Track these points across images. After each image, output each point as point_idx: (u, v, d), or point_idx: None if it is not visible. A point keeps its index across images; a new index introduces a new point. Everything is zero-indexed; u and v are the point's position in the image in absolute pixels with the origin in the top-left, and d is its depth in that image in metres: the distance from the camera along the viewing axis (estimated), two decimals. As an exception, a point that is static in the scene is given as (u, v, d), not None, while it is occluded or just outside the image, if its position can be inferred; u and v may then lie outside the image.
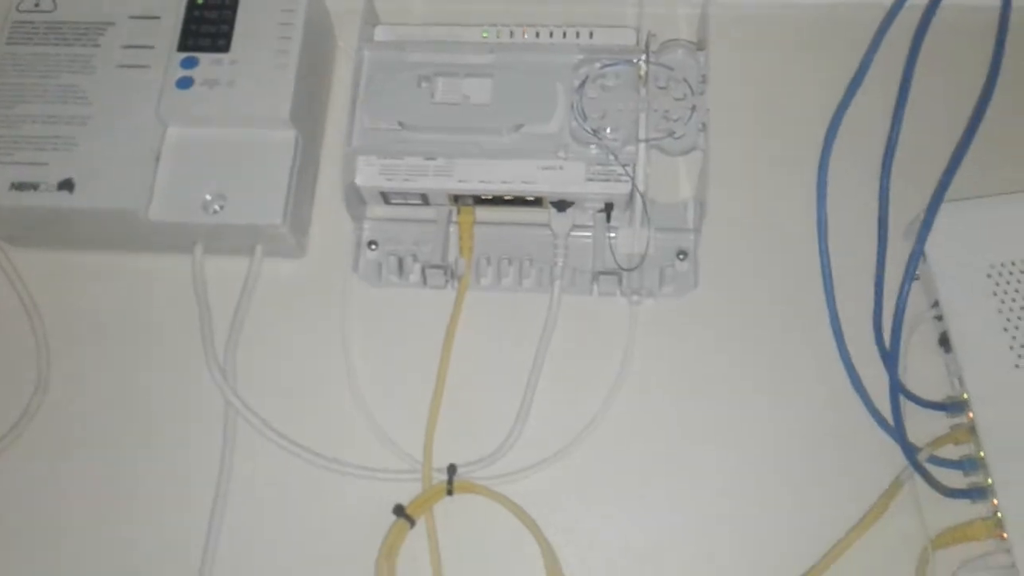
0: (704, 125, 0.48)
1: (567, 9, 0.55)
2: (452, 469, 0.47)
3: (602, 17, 0.53)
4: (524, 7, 0.55)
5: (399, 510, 0.45)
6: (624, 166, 0.48)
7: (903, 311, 0.44)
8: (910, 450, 0.44)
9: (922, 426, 0.45)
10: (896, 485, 0.44)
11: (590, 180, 0.49)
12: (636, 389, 0.48)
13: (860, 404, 0.46)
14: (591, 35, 0.52)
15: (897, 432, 0.44)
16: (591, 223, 0.51)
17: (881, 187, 0.47)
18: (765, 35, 0.53)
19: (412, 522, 0.45)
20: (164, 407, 0.49)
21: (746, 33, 0.53)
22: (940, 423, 0.46)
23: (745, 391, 0.47)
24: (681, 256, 0.50)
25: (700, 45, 0.50)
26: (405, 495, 0.46)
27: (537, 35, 0.52)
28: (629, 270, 0.49)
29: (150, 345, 0.50)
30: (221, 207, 0.48)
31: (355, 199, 0.51)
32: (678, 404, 0.48)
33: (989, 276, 0.46)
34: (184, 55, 0.49)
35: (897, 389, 0.45)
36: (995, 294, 0.46)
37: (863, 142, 0.49)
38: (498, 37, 0.52)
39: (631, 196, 0.48)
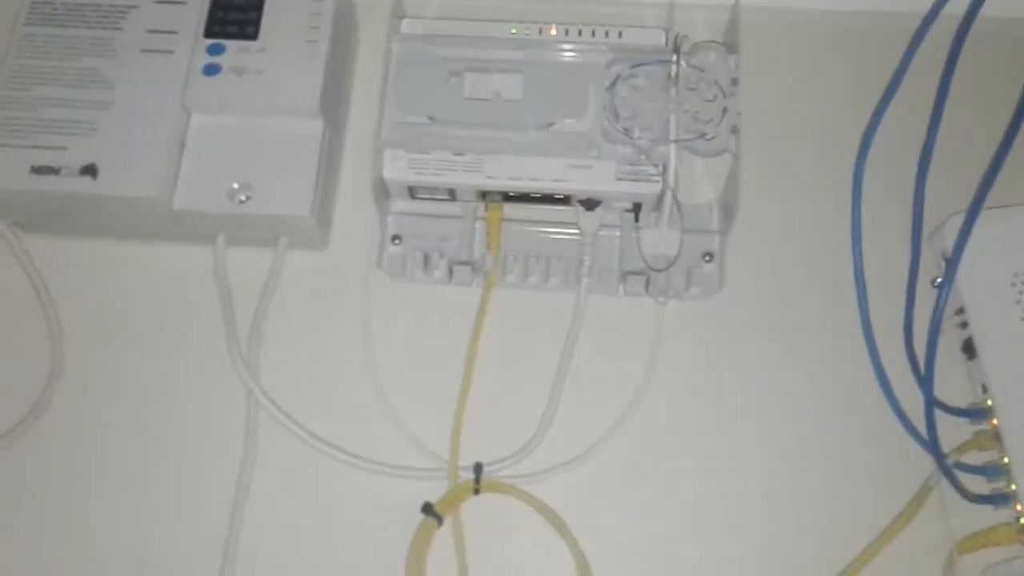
0: (735, 128, 0.48)
1: (586, 8, 0.54)
2: (479, 467, 0.46)
3: (622, 17, 0.53)
4: (542, 5, 0.54)
5: (428, 508, 0.45)
6: (655, 166, 0.48)
7: (940, 322, 0.44)
8: (940, 456, 0.44)
9: (945, 431, 0.45)
10: (925, 490, 0.44)
11: (620, 180, 0.48)
12: (663, 389, 0.48)
13: (888, 409, 0.46)
14: (620, 35, 0.51)
15: (929, 439, 0.44)
16: (618, 223, 0.51)
17: (916, 192, 0.47)
18: (796, 39, 0.54)
19: (440, 520, 0.45)
20: (184, 399, 0.48)
21: (777, 36, 0.53)
22: (963, 429, 0.46)
23: (772, 394, 0.48)
24: (707, 258, 0.50)
25: (731, 48, 0.50)
26: (429, 493, 0.46)
27: (566, 33, 0.52)
28: (660, 271, 0.49)
29: (169, 336, 0.49)
30: (247, 197, 0.47)
31: (381, 192, 0.50)
32: (705, 405, 0.48)
33: (1013, 284, 0.47)
34: (211, 42, 0.49)
35: (931, 398, 0.45)
36: (1019, 302, 0.46)
37: (897, 147, 0.50)
38: (527, 34, 0.52)
39: (661, 197, 0.48)
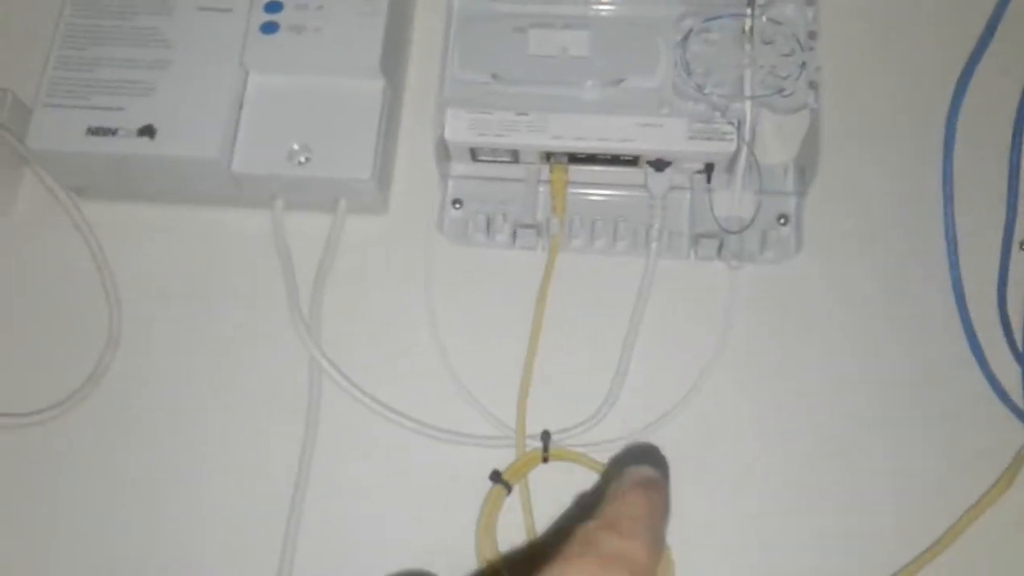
0: (814, 83, 0.46)
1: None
2: (547, 435, 0.45)
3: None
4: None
5: (496, 476, 0.44)
6: (730, 124, 0.46)
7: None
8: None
9: (1034, 399, 0.44)
10: (1019, 460, 0.42)
11: (692, 138, 0.47)
12: (736, 357, 0.46)
13: (981, 378, 0.44)
14: (690, -13, 0.49)
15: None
16: (689, 184, 0.49)
17: (1012, 148, 0.45)
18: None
19: (509, 488, 0.44)
20: (245, 366, 0.47)
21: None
22: (1053, 397, 0.44)
23: (853, 363, 0.46)
24: (782, 220, 0.48)
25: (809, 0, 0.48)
26: (496, 462, 0.45)
27: (634, -14, 0.50)
28: (733, 232, 0.47)
29: (228, 302, 0.48)
30: (307, 159, 0.46)
31: (442, 154, 0.49)
32: (781, 374, 0.46)
33: (1111, 246, 0.44)
34: (269, -1, 0.47)
35: (1024, 361, 0.43)
36: (1116, 265, 0.44)
37: (992, 101, 0.47)
38: (593, -12, 0.50)
39: (735, 156, 0.46)
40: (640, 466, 0.25)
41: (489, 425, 0.46)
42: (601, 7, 0.49)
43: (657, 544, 0.24)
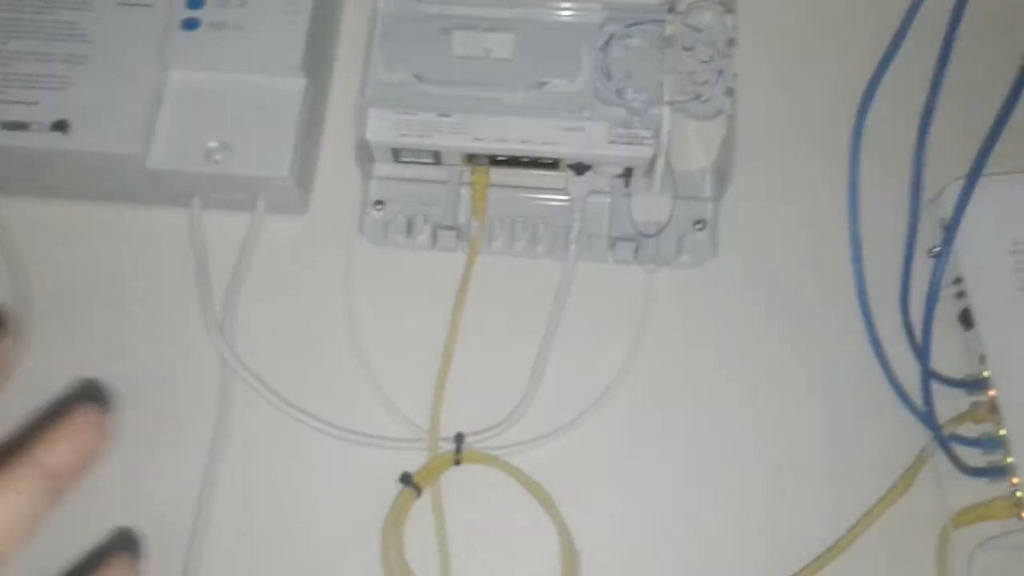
0: (730, 89, 0.47)
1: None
2: (460, 438, 0.45)
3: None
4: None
5: (406, 478, 0.44)
6: (648, 129, 0.47)
7: (936, 291, 0.43)
8: (935, 428, 0.43)
9: (941, 403, 0.44)
10: (919, 462, 0.43)
11: (612, 143, 0.47)
12: (652, 360, 0.46)
13: (883, 380, 0.44)
14: (615, -6, 0.50)
15: (925, 410, 0.43)
16: (608, 189, 0.49)
17: (915, 158, 0.46)
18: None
19: (419, 491, 0.43)
20: (156, 366, 0.46)
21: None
22: (959, 401, 0.45)
23: (764, 365, 0.46)
24: (699, 226, 0.49)
25: (728, 7, 0.48)
26: (410, 464, 0.44)
27: (560, -9, 0.50)
28: (650, 236, 0.48)
29: (141, 302, 0.48)
30: (225, 156, 0.45)
31: (364, 155, 0.49)
32: (695, 376, 0.46)
33: (1012, 253, 0.45)
34: (190, -5, 0.47)
35: (927, 369, 0.44)
36: (1018, 271, 0.45)
37: (896, 112, 0.48)
38: (518, -8, 0.50)
39: (653, 161, 0.47)
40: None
41: (402, 428, 0.45)
42: (525, 10, 0.49)
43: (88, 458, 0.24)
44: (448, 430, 0.45)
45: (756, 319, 0.47)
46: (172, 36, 0.46)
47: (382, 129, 0.48)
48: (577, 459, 0.45)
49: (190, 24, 0.47)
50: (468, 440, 0.45)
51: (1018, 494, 0.42)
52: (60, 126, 0.45)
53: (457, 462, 0.44)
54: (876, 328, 0.45)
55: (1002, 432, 0.43)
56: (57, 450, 0.24)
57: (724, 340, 0.47)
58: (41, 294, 0.48)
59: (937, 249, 0.46)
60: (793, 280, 0.47)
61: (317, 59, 0.49)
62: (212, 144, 0.46)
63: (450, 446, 0.45)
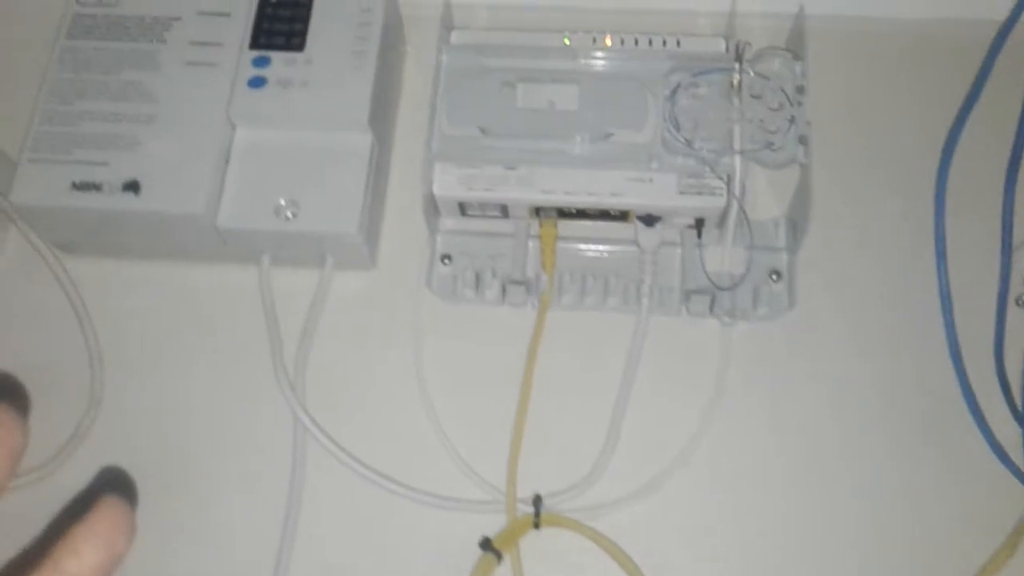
0: (803, 137, 0.46)
1: (640, 18, 0.53)
2: (538, 500, 0.44)
3: (677, 26, 0.51)
4: (595, 15, 0.53)
5: (486, 544, 0.42)
6: (720, 179, 0.46)
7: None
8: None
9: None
10: (1023, 527, 0.41)
11: (682, 193, 0.46)
12: (731, 416, 0.45)
13: (980, 438, 0.43)
14: (678, 43, 0.49)
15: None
16: (679, 240, 0.48)
17: (1004, 203, 0.45)
18: (865, 46, 0.51)
19: (499, 556, 0.42)
20: (228, 426, 0.46)
21: (845, 43, 0.51)
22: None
23: (849, 421, 0.45)
24: (774, 276, 0.47)
25: (797, 54, 0.48)
26: (487, 527, 0.43)
27: (622, 42, 0.50)
28: (725, 289, 0.46)
29: (212, 360, 0.47)
30: (294, 214, 0.45)
31: (430, 209, 0.48)
32: (777, 433, 0.45)
33: (1105, 301, 0.44)
34: (256, 53, 0.47)
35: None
36: (1112, 320, 0.44)
37: (982, 156, 0.47)
38: (581, 44, 0.50)
39: (725, 211, 0.46)
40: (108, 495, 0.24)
41: (479, 488, 0.44)
42: (590, 61, 0.49)
43: (113, 561, 0.23)
44: (524, 489, 0.44)
45: (839, 373, 0.46)
46: (239, 94, 0.46)
47: (449, 183, 0.47)
48: (658, 521, 0.44)
49: (257, 82, 0.47)
50: (546, 502, 0.44)
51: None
52: (131, 186, 0.45)
53: (536, 525, 0.43)
54: (970, 382, 0.43)
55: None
56: (81, 556, 0.22)
57: (806, 395, 0.45)
58: (112, 353, 0.47)
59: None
60: (877, 332, 0.46)
61: (382, 114, 0.48)
62: (281, 202, 0.45)
63: (528, 508, 0.44)
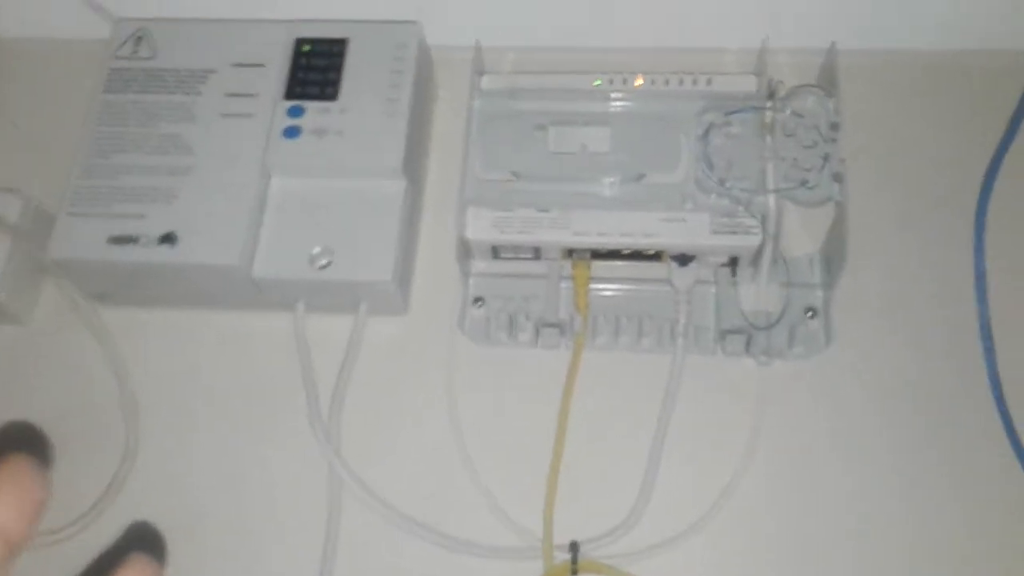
0: (838, 174, 0.45)
1: (669, 57, 0.53)
2: (575, 547, 0.43)
3: (706, 65, 0.51)
4: (623, 56, 0.53)
5: (525, 591, 0.42)
6: (754, 217, 0.45)
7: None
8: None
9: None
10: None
11: (716, 233, 0.46)
12: (770, 458, 0.44)
13: (1026, 476, 0.42)
14: (709, 82, 0.49)
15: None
16: (713, 278, 0.48)
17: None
18: (898, 80, 0.51)
19: (538, 604, 0.42)
20: (264, 474, 0.46)
21: (877, 78, 0.51)
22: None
23: (890, 463, 0.44)
24: (810, 313, 0.47)
25: (829, 91, 0.47)
26: (523, 575, 0.43)
27: (652, 82, 0.50)
28: (763, 328, 0.46)
29: (248, 408, 0.47)
30: (328, 262, 0.45)
31: (463, 253, 0.48)
32: (816, 476, 0.44)
33: None
34: (291, 103, 0.47)
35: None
36: None
37: (1021, 188, 0.46)
38: (611, 85, 0.50)
39: (760, 249, 0.46)
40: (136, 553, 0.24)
41: (515, 535, 0.44)
42: (620, 103, 0.49)
43: None
44: (561, 535, 0.44)
45: (878, 412, 0.45)
46: (274, 144, 0.47)
47: (482, 227, 0.47)
48: (697, 566, 0.43)
49: (291, 132, 0.47)
50: (583, 548, 0.43)
51: None
52: (168, 239, 0.45)
53: (574, 572, 0.43)
54: (1013, 422, 0.42)
55: None
56: None
57: (846, 437, 0.45)
58: (148, 402, 0.48)
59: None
60: (916, 369, 0.45)
61: (415, 159, 0.49)
62: (315, 250, 0.46)
63: (565, 555, 0.43)
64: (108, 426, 0.47)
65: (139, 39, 0.50)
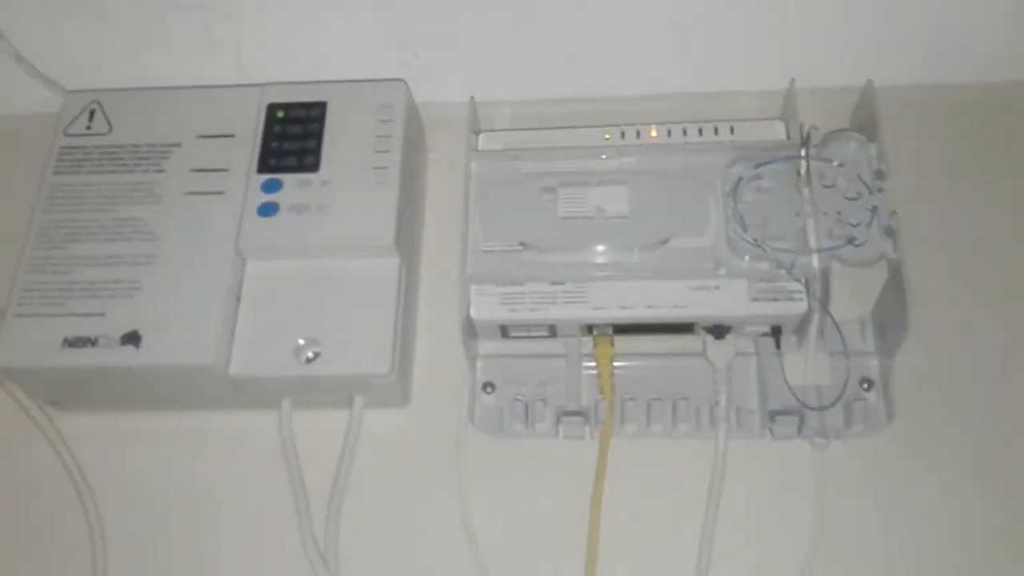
0: (890, 228, 0.40)
1: (681, 103, 0.48)
2: (619, 669, 0.37)
3: (723, 110, 0.46)
4: (630, 104, 0.48)
5: None
6: (797, 281, 0.40)
7: None
8: None
9: None
10: None
11: (755, 300, 0.41)
12: (834, 549, 0.39)
13: None
14: (732, 130, 0.44)
15: None
16: (753, 349, 0.43)
17: None
18: (941, 117, 0.46)
19: None
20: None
21: (918, 116, 0.46)
22: None
23: (967, 545, 0.39)
24: (866, 385, 0.42)
25: (869, 135, 0.43)
26: None
27: (669, 133, 0.45)
28: (817, 409, 0.41)
29: (230, 523, 0.42)
30: (315, 355, 0.40)
31: (468, 334, 0.43)
32: (887, 563, 0.39)
33: None
34: (266, 177, 0.42)
35: None
36: None
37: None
38: (623, 138, 0.45)
39: (806, 317, 0.40)
40: None
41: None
42: (635, 158, 0.44)
43: None
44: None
45: (949, 494, 0.40)
46: (249, 224, 0.41)
47: (488, 305, 0.42)
48: None
49: (267, 209, 0.42)
50: (629, 676, 0.37)
51: None
52: (131, 338, 0.39)
53: None
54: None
55: None
56: None
57: (912, 520, 0.40)
58: (115, 518, 0.42)
59: None
60: (990, 445, 0.40)
61: (408, 232, 0.43)
62: (300, 342, 0.40)
63: None
64: (70, 551, 0.41)
65: (92, 112, 0.44)
